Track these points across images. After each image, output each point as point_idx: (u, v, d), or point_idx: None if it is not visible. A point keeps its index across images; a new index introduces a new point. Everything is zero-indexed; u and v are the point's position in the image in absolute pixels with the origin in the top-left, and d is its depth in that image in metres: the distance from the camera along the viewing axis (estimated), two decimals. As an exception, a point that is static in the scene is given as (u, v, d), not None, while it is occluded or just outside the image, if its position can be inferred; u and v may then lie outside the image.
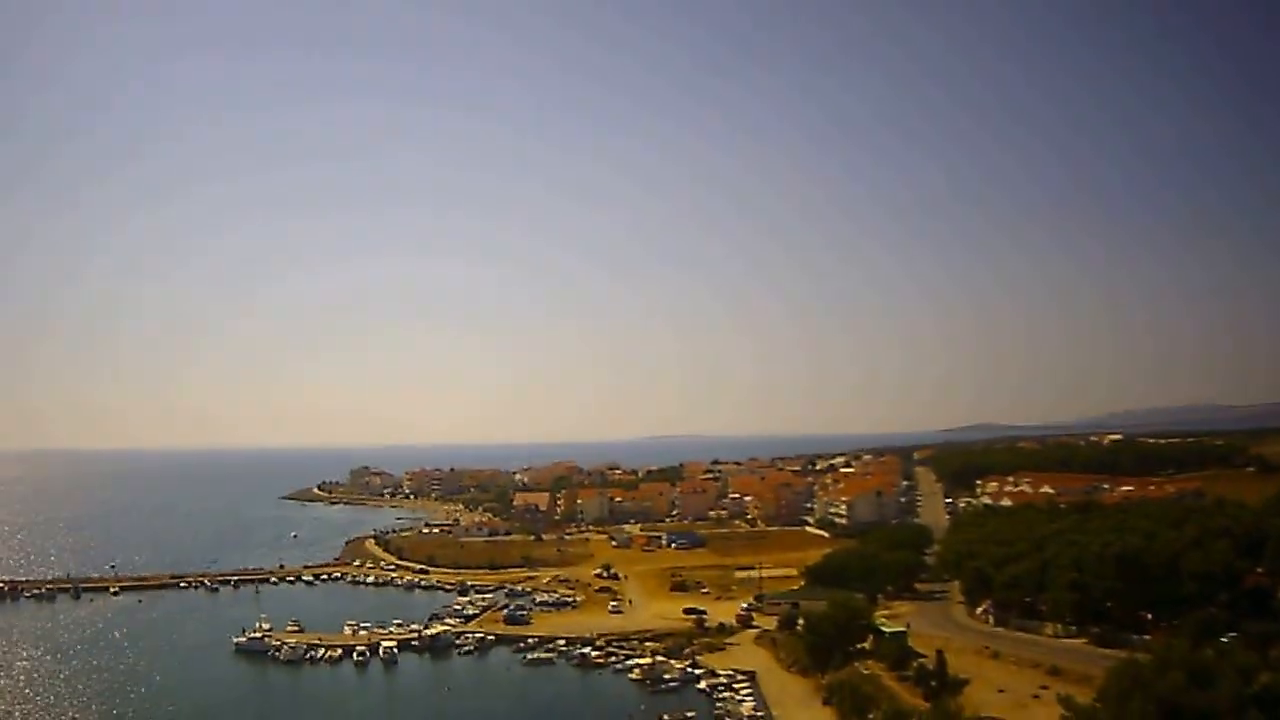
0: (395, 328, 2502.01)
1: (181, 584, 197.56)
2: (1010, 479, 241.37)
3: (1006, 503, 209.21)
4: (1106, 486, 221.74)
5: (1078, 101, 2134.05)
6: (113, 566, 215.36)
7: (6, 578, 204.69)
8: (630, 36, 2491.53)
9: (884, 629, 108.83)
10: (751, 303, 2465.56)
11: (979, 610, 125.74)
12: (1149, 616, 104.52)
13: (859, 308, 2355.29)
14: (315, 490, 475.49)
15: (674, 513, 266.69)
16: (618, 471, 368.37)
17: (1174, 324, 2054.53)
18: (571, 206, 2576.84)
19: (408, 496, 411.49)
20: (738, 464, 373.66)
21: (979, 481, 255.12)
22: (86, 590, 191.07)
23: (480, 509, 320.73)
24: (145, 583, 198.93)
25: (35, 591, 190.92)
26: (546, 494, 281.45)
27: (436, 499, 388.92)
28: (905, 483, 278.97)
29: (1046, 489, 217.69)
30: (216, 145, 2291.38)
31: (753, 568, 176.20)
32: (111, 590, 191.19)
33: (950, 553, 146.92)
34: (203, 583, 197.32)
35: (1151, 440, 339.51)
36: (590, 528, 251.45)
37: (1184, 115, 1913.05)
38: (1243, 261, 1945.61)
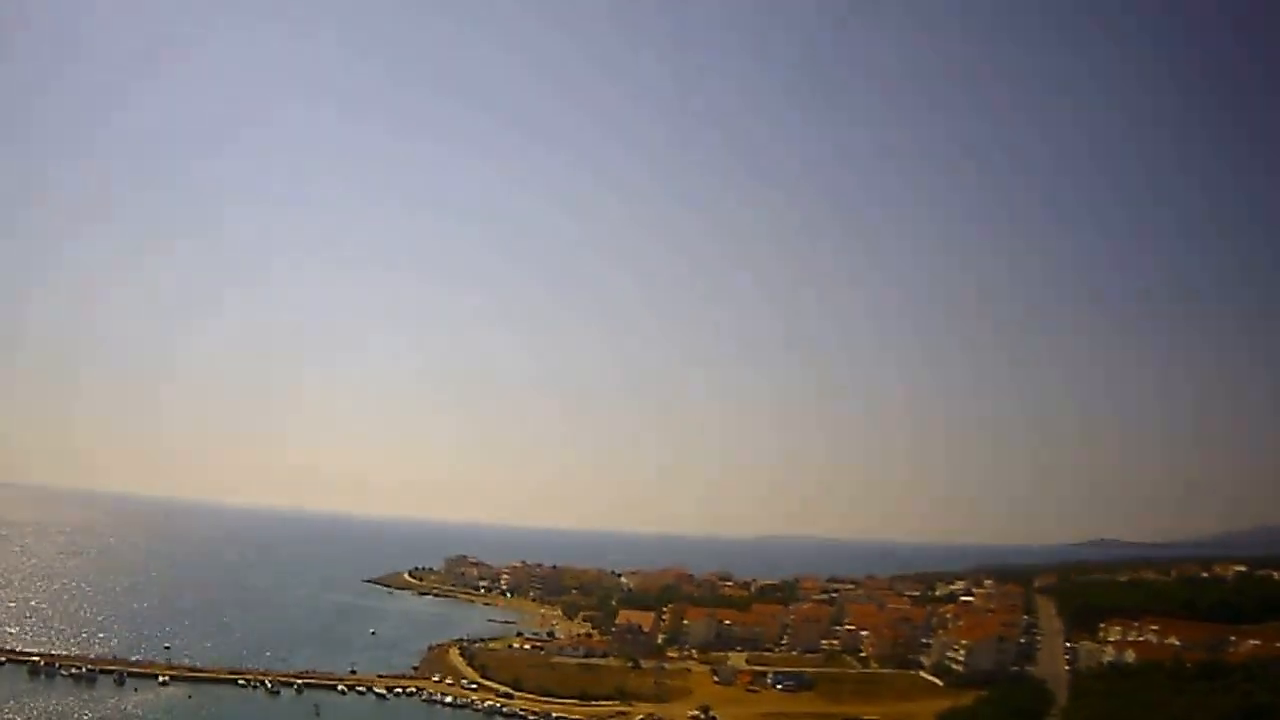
0: (510, 397, 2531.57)
1: (240, 681, 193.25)
2: (1136, 624, 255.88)
3: (1130, 655, 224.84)
4: (1233, 639, 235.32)
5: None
6: (167, 648, 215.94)
7: (44, 650, 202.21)
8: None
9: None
10: (872, 396, 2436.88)
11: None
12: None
13: (985, 416, 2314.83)
14: (406, 576, 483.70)
15: (783, 641, 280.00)
16: (729, 584, 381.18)
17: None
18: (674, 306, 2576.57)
19: (504, 593, 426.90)
20: (855, 584, 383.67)
21: (1102, 625, 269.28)
22: (133, 676, 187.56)
23: (579, 615, 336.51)
24: (199, 674, 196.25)
25: (75, 669, 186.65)
26: (650, 614, 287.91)
27: (534, 599, 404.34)
28: (1025, 617, 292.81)
29: (1173, 640, 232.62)
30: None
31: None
32: (160, 679, 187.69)
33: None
34: (263, 683, 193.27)
35: (1276, 575, 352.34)
36: (693, 653, 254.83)
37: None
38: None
